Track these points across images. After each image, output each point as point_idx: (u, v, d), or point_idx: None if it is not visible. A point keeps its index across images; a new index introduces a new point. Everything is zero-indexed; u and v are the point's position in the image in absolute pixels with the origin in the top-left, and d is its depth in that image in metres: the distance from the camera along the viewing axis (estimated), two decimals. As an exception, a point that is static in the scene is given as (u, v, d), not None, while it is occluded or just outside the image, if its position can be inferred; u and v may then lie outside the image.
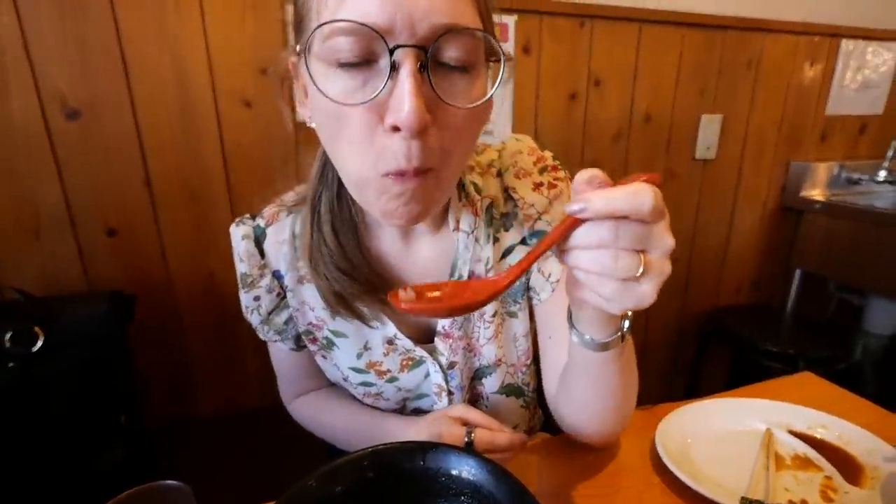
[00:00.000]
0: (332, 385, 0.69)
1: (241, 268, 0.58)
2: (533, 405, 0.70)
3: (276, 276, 0.58)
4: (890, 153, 1.66)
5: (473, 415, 0.56)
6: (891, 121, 1.79)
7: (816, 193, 1.69)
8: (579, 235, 0.33)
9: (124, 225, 1.06)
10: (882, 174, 1.67)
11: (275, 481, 1.24)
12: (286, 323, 0.60)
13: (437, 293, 0.37)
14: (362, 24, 0.35)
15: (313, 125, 0.45)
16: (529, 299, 0.61)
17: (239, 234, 0.58)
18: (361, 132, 0.39)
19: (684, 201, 1.60)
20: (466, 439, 0.54)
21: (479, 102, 0.41)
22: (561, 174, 0.58)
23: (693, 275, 1.70)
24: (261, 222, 0.58)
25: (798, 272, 1.72)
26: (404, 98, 0.36)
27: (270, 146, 1.12)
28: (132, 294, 1.03)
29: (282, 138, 1.12)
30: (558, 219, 0.54)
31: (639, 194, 0.31)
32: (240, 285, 0.58)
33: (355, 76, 0.38)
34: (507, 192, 0.58)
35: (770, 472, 0.56)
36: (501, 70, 0.41)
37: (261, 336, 0.63)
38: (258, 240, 0.58)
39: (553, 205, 0.57)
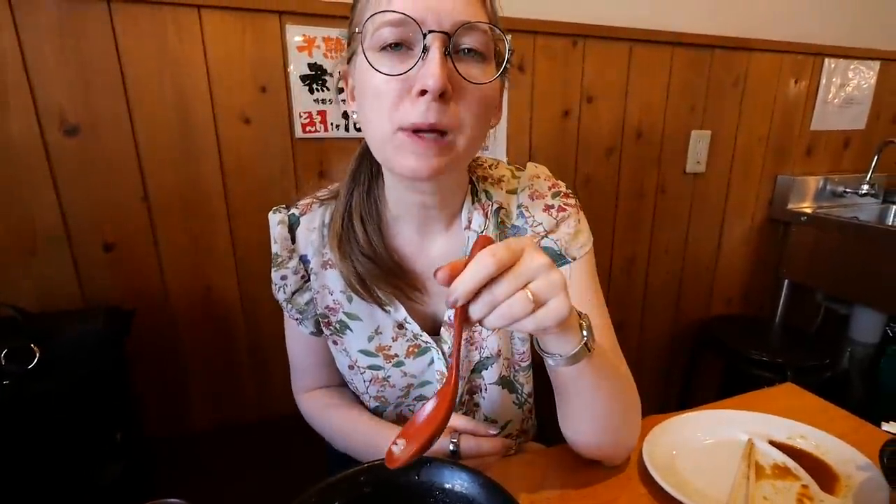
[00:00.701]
0: (341, 385, 0.74)
1: (274, 248, 0.65)
2: (528, 408, 0.74)
3: (303, 260, 0.65)
4: (872, 167, 1.71)
5: (458, 421, 0.59)
6: (873, 135, 1.84)
7: (803, 206, 1.73)
8: (474, 314, 0.40)
9: (121, 240, 1.06)
10: (865, 187, 1.72)
11: (273, 495, 1.25)
12: (307, 304, 0.67)
13: (419, 426, 0.43)
14: (404, 14, 0.47)
15: (356, 116, 0.56)
16: None
17: (276, 220, 0.65)
18: (392, 99, 0.49)
19: (676, 214, 1.63)
20: (451, 448, 0.56)
21: (489, 80, 0.50)
22: (571, 201, 0.65)
23: (685, 286, 1.73)
24: (295, 211, 0.66)
25: (786, 283, 1.75)
26: (433, 68, 0.46)
27: (269, 162, 1.13)
28: (129, 309, 1.03)
29: (280, 154, 1.13)
30: (564, 237, 0.63)
31: (480, 261, 0.39)
32: (272, 264, 0.66)
33: (394, 58, 0.49)
34: (521, 209, 0.65)
35: (750, 482, 0.58)
36: (507, 53, 0.53)
37: (286, 314, 0.70)
38: (292, 226, 0.65)
39: (559, 226, 0.64)
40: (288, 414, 0.83)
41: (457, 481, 0.48)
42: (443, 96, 0.47)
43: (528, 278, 0.40)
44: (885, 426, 0.57)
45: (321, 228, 0.64)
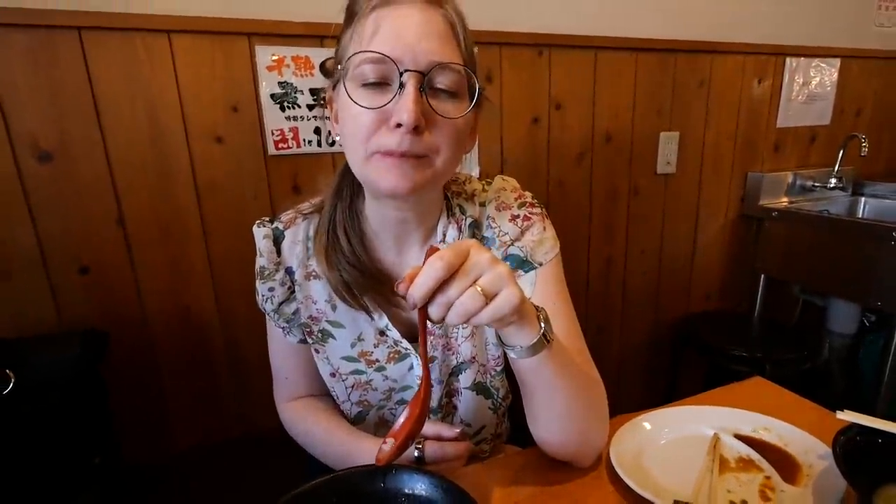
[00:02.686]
0: (322, 395, 0.75)
1: (260, 262, 0.67)
2: (501, 412, 0.76)
3: (288, 271, 0.67)
4: (838, 161, 1.75)
5: (425, 427, 0.59)
6: (838, 130, 1.89)
7: (774, 202, 1.76)
8: (433, 314, 0.44)
9: (97, 263, 1.07)
10: (833, 181, 1.76)
11: (255, 511, 1.24)
12: (294, 314, 0.69)
13: (400, 425, 0.48)
14: (382, 55, 0.51)
15: (338, 138, 0.60)
16: None
17: (261, 234, 0.67)
18: (371, 128, 0.53)
19: (649, 214, 1.66)
20: (416, 454, 0.58)
21: (460, 115, 0.55)
22: (536, 210, 0.69)
23: (663, 284, 1.75)
24: (279, 225, 0.68)
25: (762, 277, 1.78)
26: (408, 104, 0.50)
27: (242, 180, 1.15)
28: (104, 331, 1.03)
29: (254, 172, 1.15)
30: (528, 244, 0.66)
31: (430, 265, 0.42)
32: (257, 277, 0.68)
33: (373, 92, 0.53)
34: (488, 221, 0.68)
35: (714, 475, 0.59)
36: (476, 93, 0.56)
37: (271, 325, 0.72)
38: (277, 239, 0.67)
39: (524, 234, 0.67)
40: (269, 427, 0.84)
41: (420, 486, 0.50)
42: (416, 129, 0.51)
43: (475, 275, 0.44)
44: (840, 414, 0.58)
45: (305, 241, 0.67)
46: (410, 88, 0.51)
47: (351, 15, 0.56)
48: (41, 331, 1.04)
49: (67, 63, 0.98)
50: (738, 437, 0.66)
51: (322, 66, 0.63)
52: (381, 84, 0.52)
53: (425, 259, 0.44)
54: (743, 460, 0.62)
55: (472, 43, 0.57)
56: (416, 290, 0.43)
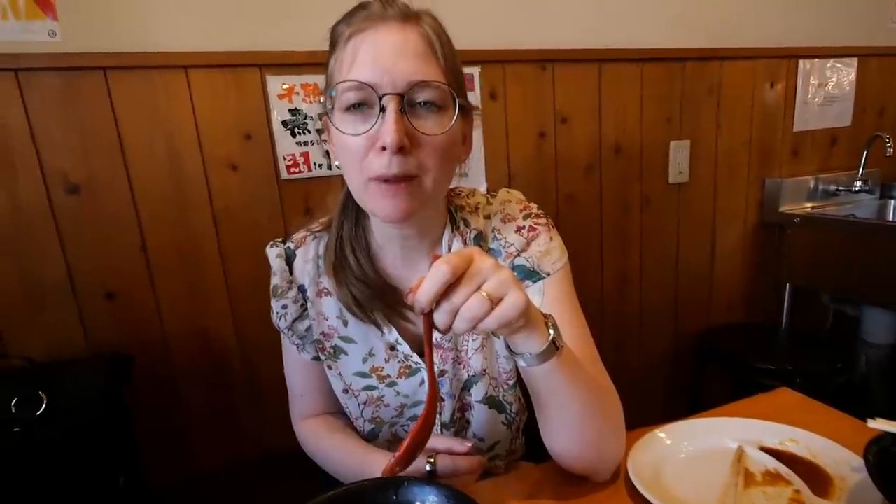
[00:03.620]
0: (338, 413, 0.76)
1: (273, 280, 0.70)
2: (515, 427, 0.74)
3: (301, 289, 0.69)
4: (862, 162, 1.70)
5: (435, 441, 0.60)
6: (860, 130, 1.83)
7: (796, 208, 1.71)
8: (439, 322, 0.44)
9: (122, 289, 1.12)
10: (858, 184, 1.70)
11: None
12: (307, 331, 0.71)
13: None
14: (361, 83, 0.53)
15: (337, 163, 0.62)
16: None
17: (274, 254, 0.70)
18: (360, 153, 0.54)
19: (663, 225, 1.63)
20: (428, 468, 0.57)
21: (443, 131, 0.55)
22: (542, 220, 0.69)
23: (681, 296, 1.71)
24: (291, 245, 0.71)
25: (788, 287, 1.72)
26: (389, 128, 0.52)
27: (257, 205, 1.19)
28: (129, 355, 1.07)
29: (267, 196, 1.19)
30: (535, 255, 0.66)
31: (436, 270, 0.43)
32: (272, 295, 0.70)
33: (358, 117, 0.55)
34: (494, 233, 0.69)
35: (738, 489, 0.57)
36: (455, 111, 0.56)
37: (286, 343, 0.73)
38: (289, 259, 0.70)
39: (530, 245, 0.67)
40: (286, 447, 0.84)
41: (432, 498, 0.49)
42: (402, 149, 0.52)
43: (480, 280, 0.44)
44: (872, 423, 0.56)
45: (315, 259, 0.69)
46: (391, 111, 0.52)
47: (333, 42, 0.58)
48: (71, 354, 1.09)
49: (94, 101, 1.04)
50: (764, 449, 0.63)
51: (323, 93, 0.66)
52: (364, 107, 0.54)
53: (430, 266, 0.44)
54: (770, 474, 0.59)
55: (453, 55, 0.58)
56: (423, 295, 0.43)
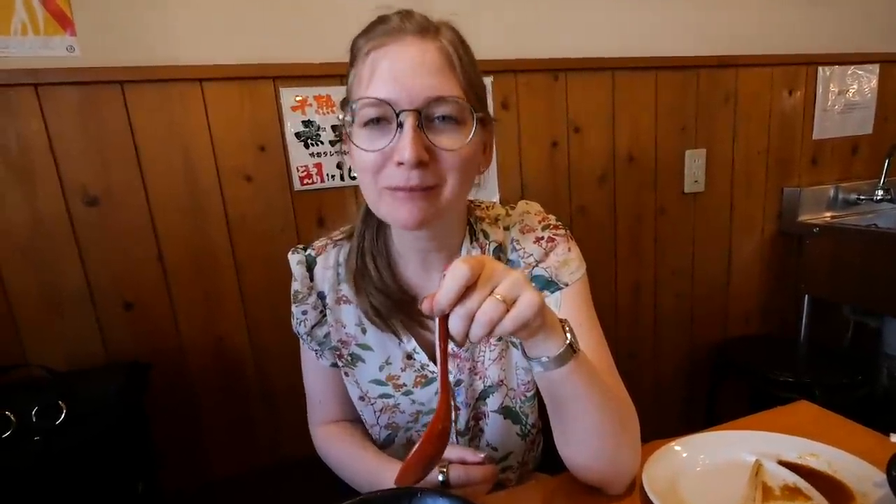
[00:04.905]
0: (355, 420, 0.76)
1: (294, 286, 0.71)
2: (530, 439, 0.74)
3: (320, 296, 0.70)
4: (884, 171, 1.66)
5: (449, 451, 0.60)
6: (882, 139, 1.79)
7: (815, 217, 1.68)
8: (455, 328, 0.44)
9: (140, 298, 1.14)
10: (880, 193, 1.66)
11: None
12: (325, 337, 0.72)
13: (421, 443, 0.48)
14: (378, 99, 0.53)
15: (354, 174, 0.63)
16: None
17: (295, 260, 0.71)
18: (377, 166, 0.55)
19: (679, 235, 1.61)
20: (440, 478, 0.57)
21: (460, 146, 0.55)
22: (561, 232, 0.69)
23: (697, 308, 1.69)
24: (311, 252, 0.71)
25: (807, 298, 1.68)
26: (406, 143, 0.52)
27: (271, 215, 1.20)
28: (147, 363, 1.09)
29: (281, 207, 1.20)
30: (553, 265, 0.66)
31: (455, 270, 0.43)
32: (292, 300, 0.71)
33: (375, 132, 0.55)
34: (513, 244, 0.69)
35: None
36: (473, 125, 0.56)
37: (305, 348, 0.74)
38: (309, 265, 0.71)
39: (549, 255, 0.67)
40: (300, 455, 0.84)
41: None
42: (420, 164, 0.53)
43: (492, 284, 0.44)
44: (894, 437, 0.54)
45: (336, 267, 0.70)
46: (408, 127, 0.52)
47: (353, 56, 0.59)
48: (90, 363, 1.11)
49: (111, 114, 1.07)
50: (783, 463, 0.62)
51: (341, 104, 0.67)
52: (383, 124, 0.55)
53: (443, 274, 0.44)
54: (789, 488, 0.58)
55: (472, 68, 0.58)
56: (443, 296, 0.43)
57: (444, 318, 0.44)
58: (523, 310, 0.43)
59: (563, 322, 0.50)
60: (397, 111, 0.53)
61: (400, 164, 0.53)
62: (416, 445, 0.47)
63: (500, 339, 0.67)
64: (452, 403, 0.69)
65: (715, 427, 0.71)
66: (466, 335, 0.44)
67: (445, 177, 0.56)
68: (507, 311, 0.43)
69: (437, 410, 0.48)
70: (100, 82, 1.04)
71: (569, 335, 0.49)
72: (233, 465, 1.26)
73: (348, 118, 0.57)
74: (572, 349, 0.49)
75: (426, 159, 0.53)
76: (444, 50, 0.55)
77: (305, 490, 1.21)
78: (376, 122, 0.55)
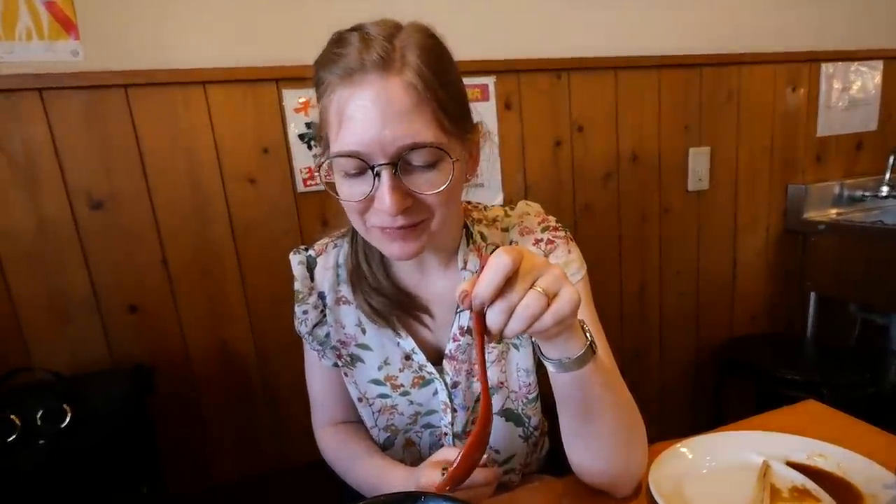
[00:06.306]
0: (358, 422, 0.76)
1: (296, 285, 0.71)
2: (533, 441, 0.74)
3: (321, 296, 0.71)
4: (889, 167, 1.65)
5: (451, 453, 0.59)
6: (887, 135, 1.78)
7: (820, 214, 1.67)
8: (493, 323, 0.42)
9: (144, 302, 1.14)
10: (885, 189, 1.66)
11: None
12: (326, 337, 0.72)
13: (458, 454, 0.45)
14: (352, 153, 0.52)
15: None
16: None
17: (296, 260, 0.72)
18: (362, 209, 0.55)
19: (683, 233, 1.61)
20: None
21: (440, 189, 0.54)
22: (560, 233, 0.68)
23: (703, 306, 1.68)
24: (312, 252, 0.72)
25: (813, 296, 1.67)
26: (384, 196, 0.52)
27: (275, 217, 1.20)
28: (151, 366, 1.09)
29: (285, 209, 1.20)
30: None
31: (496, 260, 0.41)
32: (294, 300, 0.71)
33: (355, 181, 0.54)
34: (512, 246, 0.67)
35: (763, 506, 0.55)
36: (452, 168, 0.54)
37: (308, 348, 0.75)
38: (310, 266, 0.71)
39: (549, 257, 0.66)
40: (304, 458, 0.84)
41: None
42: (403, 210, 0.53)
43: (534, 277, 0.42)
44: (907, 438, 0.54)
45: (335, 267, 0.70)
46: (385, 178, 0.51)
47: (316, 87, 0.56)
48: (95, 367, 1.10)
49: (115, 118, 1.07)
50: (791, 464, 0.61)
51: (316, 136, 0.65)
52: (361, 173, 0.53)
53: (481, 266, 0.42)
54: (797, 490, 0.57)
55: (446, 83, 0.54)
56: (483, 288, 0.41)
57: (480, 313, 0.42)
58: (563, 305, 0.42)
59: (581, 322, 0.49)
60: (371, 165, 0.51)
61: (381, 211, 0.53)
62: (460, 455, 0.45)
63: (499, 341, 0.67)
64: (462, 399, 0.68)
65: (721, 427, 0.71)
66: (503, 330, 0.42)
67: (433, 211, 0.55)
68: (549, 305, 0.41)
69: (480, 415, 0.46)
70: (104, 86, 1.05)
71: (588, 335, 0.49)
72: (236, 468, 1.26)
73: (325, 160, 0.56)
74: (592, 350, 0.48)
75: (409, 204, 0.53)
76: (410, 85, 0.51)
77: (309, 494, 1.21)
78: (354, 172, 0.54)
